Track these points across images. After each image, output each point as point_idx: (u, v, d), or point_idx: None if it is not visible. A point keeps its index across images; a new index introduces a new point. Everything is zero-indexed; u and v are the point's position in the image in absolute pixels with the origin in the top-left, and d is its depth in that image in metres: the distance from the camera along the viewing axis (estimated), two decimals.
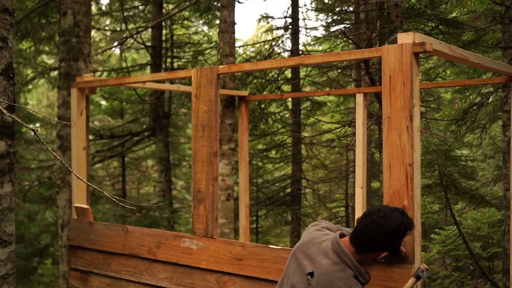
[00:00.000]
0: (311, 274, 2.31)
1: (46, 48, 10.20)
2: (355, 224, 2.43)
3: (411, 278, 2.52)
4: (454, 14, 8.08)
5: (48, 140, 12.27)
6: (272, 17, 9.97)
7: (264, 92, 9.23)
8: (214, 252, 3.45)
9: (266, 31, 11.28)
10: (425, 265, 2.54)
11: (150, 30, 10.88)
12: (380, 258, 2.37)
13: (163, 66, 10.58)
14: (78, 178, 2.60)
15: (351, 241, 2.35)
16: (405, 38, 2.64)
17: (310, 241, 2.45)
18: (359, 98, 4.73)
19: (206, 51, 11.34)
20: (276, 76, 9.36)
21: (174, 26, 11.19)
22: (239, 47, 10.81)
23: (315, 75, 9.48)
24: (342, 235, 2.42)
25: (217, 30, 11.39)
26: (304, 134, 12.42)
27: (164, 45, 10.59)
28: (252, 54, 11.11)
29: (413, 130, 2.60)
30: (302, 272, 2.35)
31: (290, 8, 9.52)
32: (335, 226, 2.66)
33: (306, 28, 10.57)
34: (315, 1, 10.58)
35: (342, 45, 9.52)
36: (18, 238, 11.10)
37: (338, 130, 10.76)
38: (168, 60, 10.90)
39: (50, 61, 13.67)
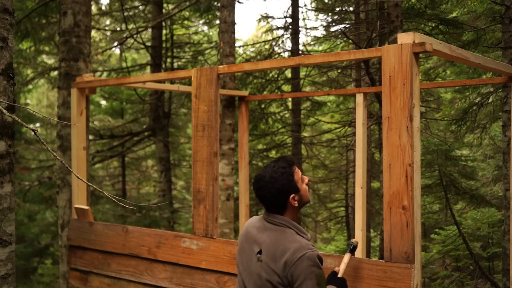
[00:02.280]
0: (260, 252, 2.35)
1: (46, 48, 10.21)
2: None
3: (346, 254, 2.60)
4: (454, 14, 8.08)
5: (48, 140, 12.28)
6: (272, 17, 9.97)
7: (264, 92, 9.23)
8: (214, 252, 3.45)
9: (266, 31, 11.28)
10: (355, 239, 2.64)
11: (150, 30, 10.89)
12: (296, 204, 2.38)
13: (163, 66, 10.58)
14: (78, 178, 2.60)
15: (268, 212, 2.41)
16: (405, 38, 2.64)
17: (247, 229, 2.50)
18: (359, 98, 4.73)
19: (206, 51, 11.35)
20: (276, 76, 9.36)
21: (174, 26, 11.20)
22: (239, 47, 10.81)
23: (315, 75, 9.49)
24: None
25: (217, 30, 11.40)
26: (304, 134, 12.42)
27: (164, 45, 10.60)
28: (252, 54, 11.12)
29: (413, 130, 2.60)
30: (254, 256, 2.39)
31: (290, 8, 9.52)
32: None
33: (306, 28, 10.57)
34: (315, 1, 10.59)
35: (342, 45, 9.52)
36: (18, 238, 11.11)
37: (338, 130, 10.77)
38: (168, 60, 10.91)
39: (50, 61, 13.68)
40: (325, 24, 11.16)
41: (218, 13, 9.71)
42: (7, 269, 2.79)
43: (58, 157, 2.29)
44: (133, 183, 14.44)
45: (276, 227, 2.36)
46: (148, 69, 11.28)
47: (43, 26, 8.46)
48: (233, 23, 5.87)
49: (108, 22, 12.49)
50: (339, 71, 8.77)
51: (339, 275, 2.52)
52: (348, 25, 9.06)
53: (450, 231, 8.17)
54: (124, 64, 13.03)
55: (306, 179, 2.46)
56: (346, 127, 9.88)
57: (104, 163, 12.10)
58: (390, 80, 2.67)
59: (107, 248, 4.07)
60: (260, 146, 11.77)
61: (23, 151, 10.72)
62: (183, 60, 11.32)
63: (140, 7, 10.94)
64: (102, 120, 11.71)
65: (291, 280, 2.22)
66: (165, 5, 10.77)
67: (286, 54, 9.90)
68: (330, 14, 9.69)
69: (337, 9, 9.23)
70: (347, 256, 2.60)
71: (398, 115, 2.63)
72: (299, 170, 2.44)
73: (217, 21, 10.69)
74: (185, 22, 11.77)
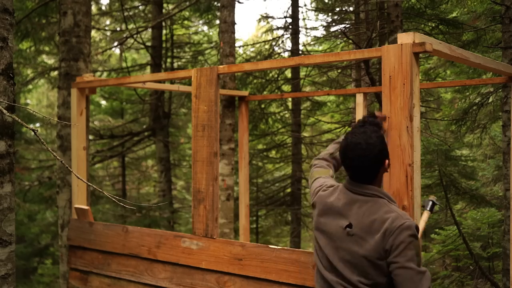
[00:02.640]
0: (349, 225, 2.22)
1: (46, 48, 10.21)
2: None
3: (424, 212, 2.51)
4: (454, 14, 8.08)
5: (48, 140, 12.28)
6: (272, 17, 9.97)
7: (264, 92, 9.23)
8: (214, 252, 3.45)
9: (266, 31, 11.28)
10: (433, 196, 2.56)
11: (150, 30, 10.89)
12: (388, 169, 2.32)
13: (163, 66, 10.58)
14: (78, 178, 2.60)
15: (355, 181, 2.28)
16: (405, 38, 2.63)
17: (327, 202, 2.34)
18: (359, 98, 4.73)
19: (206, 51, 11.35)
20: (276, 76, 9.36)
21: (174, 26, 11.20)
22: (239, 47, 10.81)
23: (315, 75, 9.48)
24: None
25: (217, 30, 11.39)
26: (304, 134, 12.42)
27: (164, 45, 10.60)
28: (252, 54, 11.11)
29: (413, 130, 2.60)
30: (342, 231, 2.24)
31: (290, 8, 9.52)
32: (325, 159, 2.62)
33: (306, 28, 10.57)
34: (315, 1, 10.59)
35: (342, 45, 9.52)
36: (18, 238, 11.11)
37: (338, 130, 10.76)
38: (168, 60, 10.91)
39: (50, 61, 13.69)
40: (325, 24, 11.16)
41: (218, 13, 9.71)
42: (7, 269, 2.79)
43: (58, 157, 2.29)
44: (133, 183, 14.44)
45: (367, 198, 2.23)
46: (148, 69, 11.28)
47: (43, 26, 8.46)
48: (233, 23, 5.87)
49: (108, 22, 12.49)
50: (339, 71, 8.76)
51: (419, 234, 2.40)
52: (348, 25, 9.06)
53: (450, 231, 8.17)
54: (124, 64, 13.03)
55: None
56: (346, 127, 9.87)
57: (104, 163, 12.10)
58: (390, 80, 2.67)
59: (107, 248, 4.07)
60: (260, 146, 11.77)
61: (23, 151, 10.72)
62: (183, 60, 11.32)
63: (140, 7, 10.94)
64: (102, 120, 11.71)
65: (389, 249, 2.11)
66: (165, 5, 10.77)
67: (286, 54, 9.90)
68: (330, 14, 9.69)
69: (337, 9, 9.23)
70: (426, 214, 2.46)
71: (398, 115, 2.63)
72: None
73: (217, 21, 10.69)
74: (185, 22, 11.77)
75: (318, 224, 2.37)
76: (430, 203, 2.53)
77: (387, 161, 2.28)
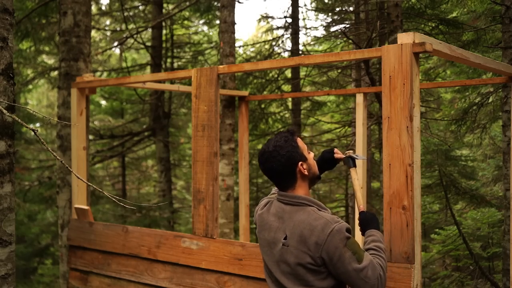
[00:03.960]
0: (285, 237, 2.23)
1: (46, 48, 10.21)
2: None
3: (351, 170, 2.53)
4: (454, 14, 8.08)
5: (48, 140, 12.28)
6: (272, 17, 9.97)
7: (264, 92, 9.23)
8: (214, 252, 3.45)
9: (266, 31, 11.28)
10: (349, 151, 2.58)
11: (150, 30, 10.90)
12: (306, 172, 2.29)
13: (163, 66, 10.58)
14: (78, 178, 2.60)
15: (281, 190, 2.32)
16: (405, 38, 2.63)
17: (262, 219, 2.38)
18: (359, 98, 4.74)
19: (206, 51, 11.35)
20: (276, 76, 9.36)
21: (174, 26, 11.20)
22: (239, 47, 10.81)
23: (315, 75, 9.49)
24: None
25: (217, 30, 11.40)
26: (304, 134, 12.42)
27: (164, 45, 10.60)
28: (252, 54, 11.12)
29: (413, 130, 2.60)
30: (279, 244, 2.26)
31: (290, 8, 9.52)
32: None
33: (306, 28, 10.58)
34: (315, 1, 10.59)
35: (342, 45, 9.52)
36: (18, 238, 11.10)
37: (338, 130, 10.76)
38: (168, 60, 10.91)
39: (50, 61, 13.69)
40: (325, 24, 11.16)
41: (218, 13, 9.71)
42: (7, 269, 2.79)
43: (58, 157, 2.29)
44: (133, 183, 14.44)
45: (296, 207, 2.25)
46: (148, 69, 11.28)
47: (43, 26, 8.46)
48: (233, 23, 5.87)
49: (108, 22, 12.49)
50: (339, 71, 8.77)
51: (361, 205, 2.42)
52: (348, 25, 9.06)
53: (450, 231, 8.17)
54: (124, 64, 13.04)
55: (311, 153, 2.38)
56: (346, 127, 9.88)
57: (104, 163, 12.10)
58: (390, 80, 2.67)
59: (107, 248, 4.07)
60: (260, 146, 11.76)
61: (23, 151, 10.72)
62: (183, 60, 11.32)
63: (140, 7, 10.94)
64: (102, 120, 11.71)
65: (327, 258, 2.13)
66: (165, 5, 10.77)
67: (286, 54, 9.90)
68: (330, 14, 9.69)
69: (337, 9, 9.23)
70: (353, 172, 2.46)
71: (398, 115, 2.63)
72: (302, 141, 2.35)
73: (217, 21, 10.69)
74: (185, 22, 11.78)
75: (260, 241, 2.40)
76: (350, 160, 2.54)
77: (301, 163, 2.27)
